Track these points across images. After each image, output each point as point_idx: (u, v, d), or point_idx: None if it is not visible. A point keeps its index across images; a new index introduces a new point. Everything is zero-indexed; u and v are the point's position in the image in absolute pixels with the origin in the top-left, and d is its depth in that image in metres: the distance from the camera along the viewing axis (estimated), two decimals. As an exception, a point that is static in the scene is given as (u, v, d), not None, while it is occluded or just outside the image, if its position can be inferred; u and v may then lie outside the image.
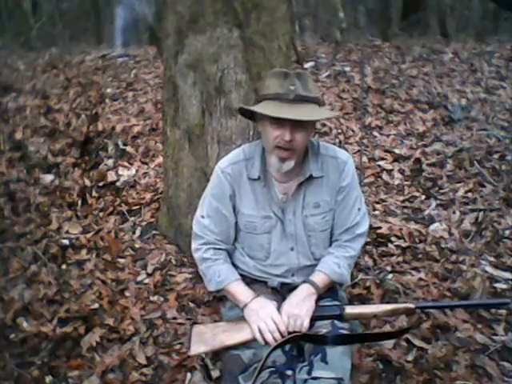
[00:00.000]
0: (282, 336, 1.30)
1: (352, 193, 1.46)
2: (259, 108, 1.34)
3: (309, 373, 1.24)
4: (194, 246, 1.51)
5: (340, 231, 1.47)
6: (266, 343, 1.29)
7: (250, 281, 1.48)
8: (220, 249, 1.48)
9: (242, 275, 1.49)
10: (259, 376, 1.23)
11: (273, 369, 1.24)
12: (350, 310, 1.35)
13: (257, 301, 1.37)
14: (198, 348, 1.37)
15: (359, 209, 1.48)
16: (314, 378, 1.22)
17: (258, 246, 1.46)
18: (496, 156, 3.02)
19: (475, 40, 6.86)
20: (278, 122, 1.29)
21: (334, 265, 1.42)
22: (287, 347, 1.31)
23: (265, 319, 1.31)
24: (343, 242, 1.47)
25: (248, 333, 1.33)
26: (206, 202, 1.49)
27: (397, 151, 3.18)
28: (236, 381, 1.29)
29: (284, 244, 1.44)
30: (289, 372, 1.24)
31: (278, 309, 1.36)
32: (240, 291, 1.40)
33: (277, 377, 1.23)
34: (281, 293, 1.47)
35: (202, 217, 1.48)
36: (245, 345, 1.35)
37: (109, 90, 4.25)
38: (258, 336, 1.30)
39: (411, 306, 1.35)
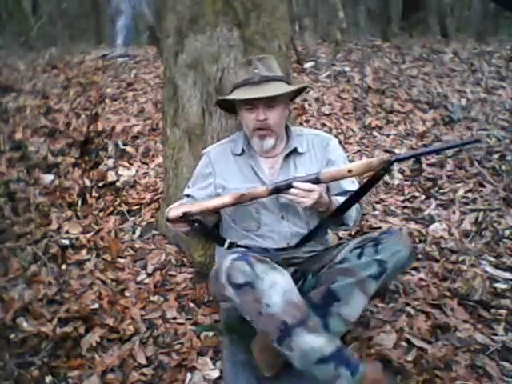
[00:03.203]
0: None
1: (343, 163, 1.51)
2: (231, 95, 1.48)
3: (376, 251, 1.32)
4: None
5: (336, 193, 1.52)
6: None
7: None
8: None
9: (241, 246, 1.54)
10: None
11: (237, 254, 1.30)
12: (326, 170, 1.36)
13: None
14: (176, 210, 1.38)
15: (353, 181, 1.54)
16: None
17: (248, 216, 1.50)
18: (496, 156, 3.02)
19: (475, 40, 6.86)
20: (251, 104, 1.42)
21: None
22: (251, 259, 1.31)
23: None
24: None
25: (229, 196, 1.37)
26: (191, 179, 1.64)
27: (397, 151, 3.18)
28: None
29: (275, 214, 1.48)
30: (253, 254, 1.31)
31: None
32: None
33: (240, 259, 1.28)
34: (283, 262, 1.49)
35: (188, 187, 1.62)
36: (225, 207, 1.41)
37: (109, 90, 4.25)
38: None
39: (385, 158, 1.30)
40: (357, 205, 1.51)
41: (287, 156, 1.51)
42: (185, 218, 1.37)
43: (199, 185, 1.58)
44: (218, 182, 1.53)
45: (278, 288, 1.24)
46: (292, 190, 1.33)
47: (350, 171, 1.32)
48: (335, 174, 1.33)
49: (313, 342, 1.23)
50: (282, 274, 1.28)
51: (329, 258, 1.46)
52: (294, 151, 1.52)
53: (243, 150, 1.52)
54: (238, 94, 1.45)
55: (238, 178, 1.51)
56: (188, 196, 1.59)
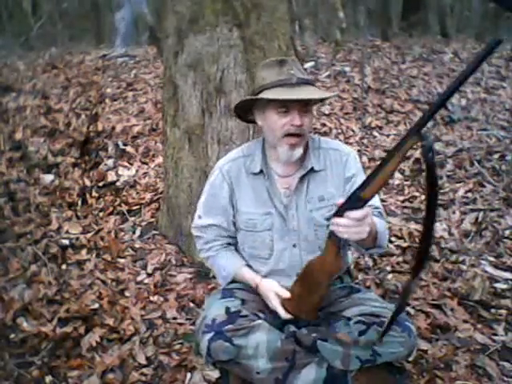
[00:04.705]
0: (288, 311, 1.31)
1: (359, 178, 1.39)
2: (264, 95, 1.27)
3: None
4: (197, 247, 1.52)
5: None
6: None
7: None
8: (221, 244, 1.47)
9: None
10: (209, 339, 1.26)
11: (212, 333, 1.26)
12: (365, 191, 1.08)
13: (262, 283, 1.39)
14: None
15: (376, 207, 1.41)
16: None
17: (260, 243, 1.42)
18: (496, 156, 3.02)
19: (475, 40, 6.87)
20: (286, 108, 1.27)
21: (381, 223, 1.31)
22: (232, 308, 1.31)
23: (271, 299, 1.33)
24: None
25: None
26: (203, 200, 1.49)
27: (397, 151, 3.18)
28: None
29: (286, 241, 1.40)
30: (228, 327, 1.26)
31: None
32: (247, 276, 1.42)
33: (217, 338, 1.25)
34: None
35: (200, 217, 1.48)
36: None
37: (109, 90, 4.25)
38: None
39: (415, 138, 0.99)
40: (384, 221, 1.38)
41: (303, 176, 1.38)
42: None
43: (217, 209, 1.44)
44: (235, 205, 1.43)
45: (261, 349, 1.25)
46: (342, 222, 1.10)
47: (392, 174, 1.07)
48: (377, 182, 1.08)
49: (308, 375, 1.26)
50: (260, 327, 1.28)
51: (337, 303, 1.40)
52: (311, 170, 1.38)
53: (261, 170, 1.39)
54: (274, 94, 1.26)
55: (251, 200, 1.41)
56: (212, 226, 1.45)
